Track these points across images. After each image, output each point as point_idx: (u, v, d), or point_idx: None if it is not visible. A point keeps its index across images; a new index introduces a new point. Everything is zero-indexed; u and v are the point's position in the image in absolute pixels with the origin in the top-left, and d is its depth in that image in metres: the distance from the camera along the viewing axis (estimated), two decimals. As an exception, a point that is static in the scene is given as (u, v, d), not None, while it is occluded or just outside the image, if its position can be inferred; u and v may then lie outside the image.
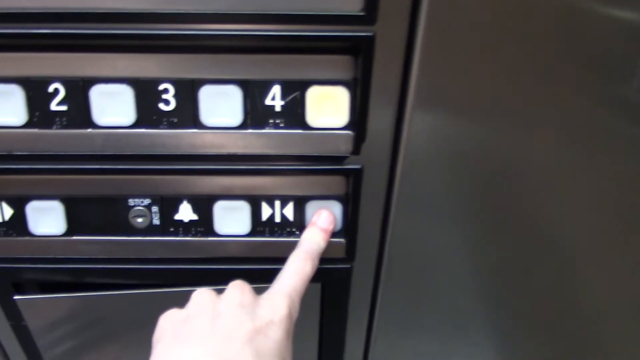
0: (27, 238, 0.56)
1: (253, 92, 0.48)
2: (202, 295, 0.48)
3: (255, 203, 0.55)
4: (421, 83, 0.47)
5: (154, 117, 0.49)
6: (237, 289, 0.47)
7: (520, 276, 0.64)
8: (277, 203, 0.55)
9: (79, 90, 0.48)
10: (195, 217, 0.55)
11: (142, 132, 0.49)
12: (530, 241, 0.60)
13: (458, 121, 0.50)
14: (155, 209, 0.55)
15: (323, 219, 0.55)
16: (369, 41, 0.44)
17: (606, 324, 0.70)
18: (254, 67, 0.48)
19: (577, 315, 0.70)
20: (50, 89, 0.48)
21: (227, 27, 0.45)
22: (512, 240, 0.60)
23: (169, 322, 0.46)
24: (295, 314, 0.48)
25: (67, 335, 0.64)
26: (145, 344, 0.51)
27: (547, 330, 0.71)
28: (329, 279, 0.60)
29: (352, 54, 0.47)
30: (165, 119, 0.49)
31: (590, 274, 0.64)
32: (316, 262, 0.52)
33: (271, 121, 0.49)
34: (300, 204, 0.55)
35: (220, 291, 0.49)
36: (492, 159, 0.53)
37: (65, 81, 0.47)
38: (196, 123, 0.49)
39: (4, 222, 0.55)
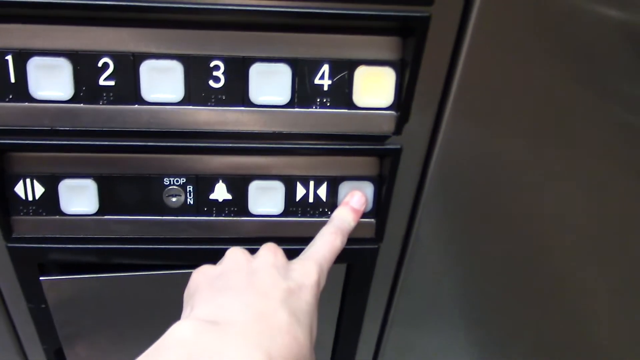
0: (57, 217, 0.55)
1: (302, 71, 0.49)
2: (236, 254, 0.48)
3: (289, 183, 0.56)
4: (468, 70, 0.49)
5: (203, 94, 0.49)
6: (270, 250, 0.48)
7: (539, 279, 0.66)
8: (312, 183, 0.56)
9: (129, 65, 0.48)
10: (229, 196, 0.56)
11: (190, 109, 0.49)
12: (556, 245, 0.63)
13: (500, 112, 0.51)
14: (190, 188, 0.55)
15: (356, 200, 0.56)
16: (424, 21, 0.46)
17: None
18: (304, 46, 0.49)
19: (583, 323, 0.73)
20: (100, 63, 0.47)
21: (279, 4, 0.45)
22: (539, 242, 0.62)
23: (204, 276, 0.46)
24: (323, 283, 0.49)
25: (88, 318, 0.63)
26: (169, 325, 0.51)
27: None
28: (356, 258, 0.61)
29: (401, 35, 0.49)
30: (213, 96, 0.49)
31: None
32: (345, 239, 0.53)
33: (318, 100, 0.50)
34: (334, 184, 0.56)
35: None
36: (531, 156, 0.55)
37: (115, 56, 0.47)
38: (244, 101, 0.49)
39: (34, 201, 0.54)
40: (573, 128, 0.53)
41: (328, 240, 0.51)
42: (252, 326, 0.40)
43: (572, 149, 0.54)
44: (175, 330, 0.38)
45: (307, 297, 0.45)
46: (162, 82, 0.48)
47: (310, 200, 0.56)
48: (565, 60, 0.48)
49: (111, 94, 0.48)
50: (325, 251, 0.50)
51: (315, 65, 0.49)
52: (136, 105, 0.49)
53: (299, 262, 0.48)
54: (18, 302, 0.62)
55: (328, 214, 0.57)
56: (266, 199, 0.56)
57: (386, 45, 0.49)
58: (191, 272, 0.57)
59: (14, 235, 0.56)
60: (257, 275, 0.45)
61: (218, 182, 0.55)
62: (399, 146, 0.52)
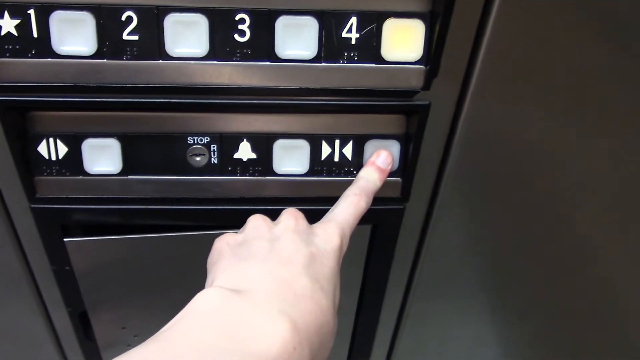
0: (80, 177, 0.55)
1: (330, 24, 0.48)
2: (257, 221, 0.48)
3: (315, 142, 0.55)
4: (499, 24, 0.47)
5: (228, 49, 0.48)
6: (292, 216, 0.48)
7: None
8: (337, 142, 0.55)
9: (152, 19, 0.47)
10: (254, 156, 0.55)
11: (215, 63, 0.48)
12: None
13: (531, 70, 0.50)
14: (214, 147, 0.54)
15: (382, 159, 0.55)
16: (456, -31, 0.44)
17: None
18: (331, -3, 0.47)
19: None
20: (123, 17, 0.46)
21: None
22: (567, 206, 0.61)
23: (226, 245, 0.46)
24: (345, 247, 0.48)
25: (113, 280, 0.63)
26: (192, 288, 0.50)
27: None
28: (381, 219, 0.60)
29: (431, -15, 0.47)
30: (239, 51, 0.48)
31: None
32: (370, 199, 0.52)
33: (346, 54, 0.49)
34: (360, 143, 0.55)
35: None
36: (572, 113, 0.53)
37: (139, 9, 0.46)
38: (270, 55, 0.48)
39: (57, 161, 0.54)
40: (604, 90, 0.51)
41: (352, 202, 0.50)
42: (275, 293, 0.40)
43: (603, 109, 0.53)
44: (199, 299, 0.38)
45: (329, 262, 0.45)
46: (186, 37, 0.47)
47: (336, 159, 0.56)
48: (597, 22, 0.47)
49: (135, 48, 0.47)
50: (348, 214, 0.49)
51: (343, 18, 0.47)
52: (160, 61, 0.48)
53: (320, 226, 0.48)
54: (42, 264, 0.62)
55: (354, 173, 0.56)
56: (291, 158, 0.55)
57: (416, -4, 0.47)
58: (215, 234, 0.57)
59: (37, 196, 0.55)
60: (279, 242, 0.44)
61: (242, 141, 0.54)
62: (427, 102, 0.51)
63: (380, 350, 0.76)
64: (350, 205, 0.50)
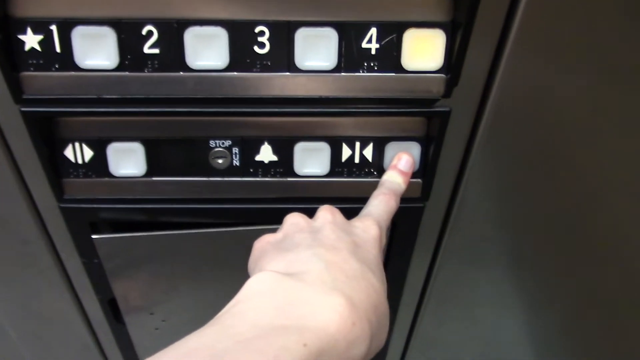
0: (106, 179, 0.56)
1: (349, 35, 0.47)
2: (295, 218, 0.48)
3: (335, 144, 0.55)
4: (523, 33, 0.46)
5: (248, 61, 0.48)
6: (328, 211, 0.48)
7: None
8: (357, 144, 0.55)
9: (173, 33, 0.47)
10: (275, 158, 0.56)
11: (235, 75, 0.49)
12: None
13: (555, 73, 0.49)
14: (236, 150, 0.55)
15: (404, 163, 0.55)
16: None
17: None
18: (351, 9, 0.47)
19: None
20: (144, 31, 0.47)
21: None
22: (590, 201, 0.61)
23: (267, 243, 0.47)
24: (384, 241, 0.49)
25: (139, 273, 0.65)
26: (220, 283, 0.51)
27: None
28: (401, 217, 0.61)
29: (452, -5, 0.46)
30: (259, 63, 0.48)
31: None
32: (399, 200, 0.53)
33: (365, 64, 0.49)
34: (380, 145, 0.55)
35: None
36: (587, 118, 0.52)
37: (159, 23, 0.46)
38: (290, 67, 0.48)
39: (83, 164, 0.55)
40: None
41: (382, 200, 0.51)
42: (326, 273, 0.40)
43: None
44: (253, 282, 0.39)
45: (372, 249, 0.45)
46: (206, 49, 0.48)
47: (356, 161, 0.56)
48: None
49: (156, 61, 0.48)
50: (381, 210, 0.50)
51: (363, 28, 0.47)
52: (181, 73, 0.48)
53: (358, 219, 0.49)
54: (72, 256, 0.64)
55: (374, 174, 0.57)
56: (312, 160, 0.56)
57: (436, 5, 0.47)
58: (239, 230, 0.58)
59: (65, 197, 0.57)
60: (320, 232, 0.45)
61: (264, 143, 0.55)
62: (448, 109, 0.51)
63: (399, 339, 0.78)
64: (382, 203, 0.51)
